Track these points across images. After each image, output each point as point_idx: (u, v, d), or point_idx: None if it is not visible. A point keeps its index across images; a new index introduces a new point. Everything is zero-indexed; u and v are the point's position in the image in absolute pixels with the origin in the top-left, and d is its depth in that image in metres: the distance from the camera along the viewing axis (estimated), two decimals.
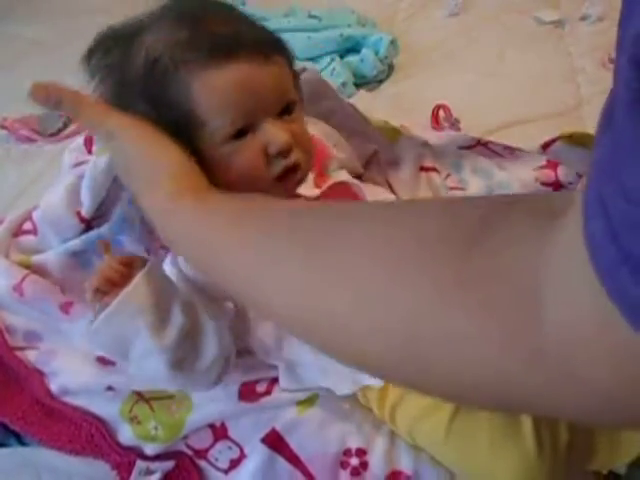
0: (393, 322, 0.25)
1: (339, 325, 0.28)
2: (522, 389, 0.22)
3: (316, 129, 0.60)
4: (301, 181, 0.51)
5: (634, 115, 0.16)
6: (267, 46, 0.48)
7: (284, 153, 0.47)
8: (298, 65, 0.59)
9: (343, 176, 0.57)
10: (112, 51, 0.49)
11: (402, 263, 0.25)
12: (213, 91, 0.45)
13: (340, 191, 0.55)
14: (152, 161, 0.43)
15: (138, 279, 0.44)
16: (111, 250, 0.47)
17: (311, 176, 0.53)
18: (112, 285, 0.44)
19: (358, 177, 0.61)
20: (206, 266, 0.39)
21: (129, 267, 0.45)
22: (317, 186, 0.54)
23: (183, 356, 0.46)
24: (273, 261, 0.32)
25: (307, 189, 0.52)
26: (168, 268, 0.51)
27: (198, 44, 0.46)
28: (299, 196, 0.52)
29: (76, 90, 0.45)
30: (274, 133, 0.47)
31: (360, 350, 0.28)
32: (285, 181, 0.49)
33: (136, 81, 0.47)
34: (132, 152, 0.44)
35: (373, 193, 0.57)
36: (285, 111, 0.48)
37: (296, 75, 0.53)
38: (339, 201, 0.52)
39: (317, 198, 0.52)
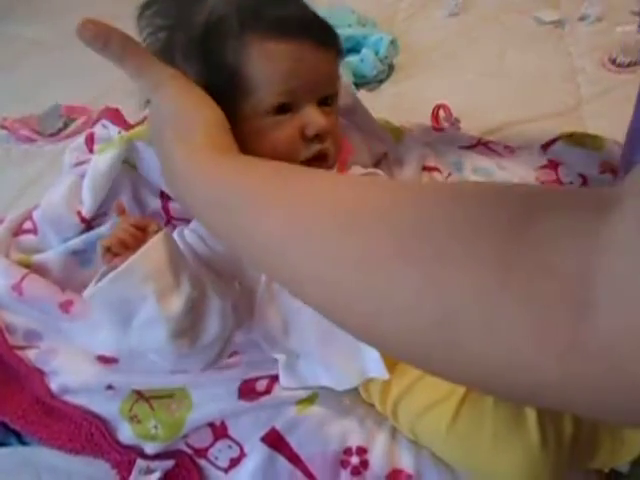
0: (429, 301, 0.24)
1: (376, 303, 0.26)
2: (552, 383, 0.22)
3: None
4: (329, 170, 0.51)
5: None
6: (329, 36, 0.50)
7: (320, 137, 0.49)
8: None
9: (359, 171, 0.58)
10: (171, 7, 0.49)
11: (444, 241, 0.25)
12: (271, 60, 0.46)
13: None
14: (190, 114, 0.42)
15: (151, 243, 0.44)
16: (126, 213, 0.47)
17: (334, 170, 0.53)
18: (124, 247, 0.44)
19: None
20: (226, 227, 0.37)
21: (143, 231, 0.45)
22: None
23: (186, 328, 0.46)
24: (304, 229, 0.30)
25: None
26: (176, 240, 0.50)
27: (267, 14, 0.47)
28: None
29: (127, 34, 0.44)
30: (315, 116, 0.48)
31: (383, 329, 0.27)
32: (313, 167, 0.49)
33: (192, 39, 0.47)
34: (174, 103, 0.43)
35: None
36: (324, 102, 0.50)
37: (339, 74, 0.54)
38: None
39: None
